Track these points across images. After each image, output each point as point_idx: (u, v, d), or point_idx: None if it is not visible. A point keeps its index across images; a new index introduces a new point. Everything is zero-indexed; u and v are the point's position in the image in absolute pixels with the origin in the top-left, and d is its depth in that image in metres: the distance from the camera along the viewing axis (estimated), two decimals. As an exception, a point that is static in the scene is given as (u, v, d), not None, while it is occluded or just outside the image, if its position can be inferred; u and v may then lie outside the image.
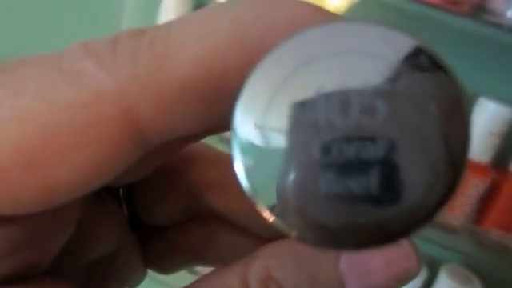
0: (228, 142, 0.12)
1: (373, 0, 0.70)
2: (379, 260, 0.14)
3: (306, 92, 0.11)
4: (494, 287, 0.66)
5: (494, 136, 0.60)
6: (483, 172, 0.59)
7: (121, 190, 0.20)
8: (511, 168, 0.61)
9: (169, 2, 0.83)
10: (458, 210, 0.60)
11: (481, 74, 0.64)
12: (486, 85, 0.63)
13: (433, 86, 0.11)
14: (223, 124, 0.13)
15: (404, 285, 0.14)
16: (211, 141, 0.17)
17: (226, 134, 0.13)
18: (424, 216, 0.11)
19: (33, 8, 0.97)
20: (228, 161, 0.17)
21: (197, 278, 0.16)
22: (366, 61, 0.11)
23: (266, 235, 0.18)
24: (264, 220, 0.12)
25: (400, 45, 0.11)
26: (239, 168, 0.11)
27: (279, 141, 0.11)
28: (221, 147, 0.18)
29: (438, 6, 0.58)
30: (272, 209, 0.11)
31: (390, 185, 0.11)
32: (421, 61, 0.11)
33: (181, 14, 0.79)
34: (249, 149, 0.11)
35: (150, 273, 0.21)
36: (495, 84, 0.64)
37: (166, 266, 0.21)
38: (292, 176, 0.11)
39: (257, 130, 0.11)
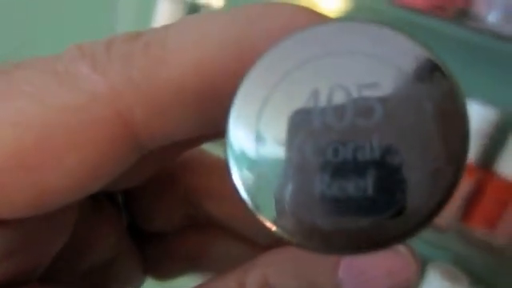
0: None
1: (361, 6, 0.71)
2: (379, 269, 0.14)
3: (299, 95, 0.11)
4: (481, 284, 0.67)
5: (479, 136, 0.61)
6: (469, 172, 0.60)
7: (119, 197, 0.19)
8: (495, 168, 0.62)
9: (163, 6, 0.84)
10: (446, 208, 0.61)
11: (467, 77, 0.65)
12: (471, 86, 0.64)
13: (429, 86, 0.11)
14: (220, 130, 0.13)
15: None
16: (209, 144, 0.17)
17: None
18: (422, 219, 0.11)
19: (27, 11, 0.97)
20: (220, 165, 0.18)
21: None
22: (360, 61, 0.11)
23: (265, 243, 0.18)
24: (264, 228, 0.11)
25: (394, 44, 0.11)
26: (236, 177, 0.11)
27: (274, 146, 0.11)
28: (219, 151, 0.18)
29: (424, 11, 0.59)
30: (271, 216, 0.11)
31: (387, 187, 0.11)
32: (416, 60, 0.11)
33: (175, 19, 0.80)
34: (244, 157, 0.11)
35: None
36: (480, 86, 0.65)
37: (164, 272, 0.21)
38: (287, 179, 0.11)
39: (251, 133, 0.11)
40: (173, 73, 0.12)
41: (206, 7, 0.82)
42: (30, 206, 0.12)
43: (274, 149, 0.11)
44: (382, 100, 0.11)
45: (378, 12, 0.68)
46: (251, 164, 0.11)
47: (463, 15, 0.58)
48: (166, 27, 0.13)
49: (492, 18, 0.55)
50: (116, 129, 0.12)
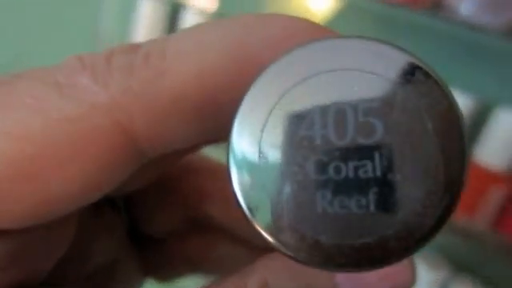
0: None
1: (352, 6, 0.72)
2: (377, 273, 0.14)
3: (302, 109, 0.11)
4: (465, 271, 0.68)
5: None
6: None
7: (120, 201, 0.20)
8: (473, 156, 0.63)
9: (145, 5, 0.84)
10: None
11: (443, 67, 0.66)
12: (448, 76, 0.65)
13: (428, 102, 0.11)
14: (219, 136, 0.13)
15: None
16: (209, 147, 0.17)
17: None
18: (423, 235, 0.11)
19: (10, 18, 0.97)
20: (221, 169, 0.18)
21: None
22: (362, 77, 0.11)
23: (265, 246, 0.18)
24: (261, 238, 0.11)
25: (395, 60, 0.11)
26: (236, 187, 0.11)
27: (275, 158, 0.11)
28: (219, 154, 0.18)
29: (401, 4, 0.60)
30: (267, 227, 0.11)
31: (389, 204, 0.11)
32: (416, 76, 0.11)
33: (157, 18, 0.80)
34: (245, 165, 0.11)
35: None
36: (457, 76, 0.66)
37: (164, 275, 0.21)
38: (287, 194, 0.11)
39: (253, 146, 0.11)
40: (173, 82, 0.12)
41: (191, 7, 0.82)
42: (31, 216, 0.12)
43: (276, 163, 0.11)
44: (383, 118, 0.11)
45: (359, 8, 0.69)
46: (252, 175, 0.11)
47: (438, 7, 0.59)
48: (164, 38, 0.13)
49: (464, 9, 0.56)
50: (116, 138, 0.12)
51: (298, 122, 0.11)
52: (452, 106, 0.11)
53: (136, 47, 0.13)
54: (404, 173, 0.11)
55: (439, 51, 0.65)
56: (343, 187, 0.11)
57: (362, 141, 0.11)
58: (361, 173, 0.11)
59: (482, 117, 0.63)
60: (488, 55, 0.65)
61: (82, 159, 0.12)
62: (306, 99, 0.11)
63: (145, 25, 0.82)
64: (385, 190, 0.11)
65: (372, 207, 0.11)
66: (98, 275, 0.18)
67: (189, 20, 0.80)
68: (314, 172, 0.11)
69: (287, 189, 0.11)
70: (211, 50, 0.12)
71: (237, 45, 0.12)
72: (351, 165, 0.11)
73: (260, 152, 0.11)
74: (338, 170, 0.11)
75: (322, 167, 0.11)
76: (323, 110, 0.11)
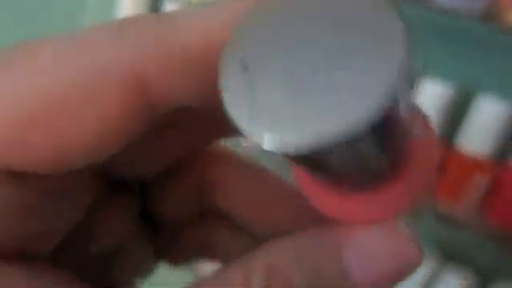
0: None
1: None
2: (386, 253, 0.14)
3: (270, 34, 0.12)
4: (453, 260, 0.69)
5: (438, 113, 0.63)
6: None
7: (136, 185, 0.20)
8: (455, 144, 0.64)
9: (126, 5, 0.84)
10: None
11: (424, 55, 0.66)
12: (428, 64, 0.65)
13: (373, 18, 0.12)
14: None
15: (406, 277, 0.14)
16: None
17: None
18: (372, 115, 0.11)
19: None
20: (237, 160, 0.19)
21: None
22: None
23: (271, 236, 0.18)
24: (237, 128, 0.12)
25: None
26: (226, 104, 0.12)
27: (259, 68, 0.12)
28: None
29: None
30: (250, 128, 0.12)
31: (338, 89, 0.11)
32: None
33: (138, 9, 0.79)
34: (236, 94, 0.12)
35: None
36: (437, 63, 0.66)
37: (175, 259, 0.21)
38: (261, 95, 0.12)
39: (238, 64, 0.12)
40: (182, 38, 0.13)
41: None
42: (50, 160, 0.13)
43: (260, 71, 0.12)
44: (336, 21, 0.12)
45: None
46: (241, 87, 0.12)
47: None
48: (172, 11, 0.14)
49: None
50: (131, 89, 0.13)
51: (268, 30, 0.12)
52: (395, 18, 0.12)
53: (146, 15, 0.14)
54: (353, 62, 0.11)
55: (418, 41, 0.65)
56: (304, 81, 0.12)
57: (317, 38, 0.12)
58: (317, 72, 0.12)
59: (462, 104, 0.64)
60: (467, 42, 0.65)
61: (98, 108, 0.13)
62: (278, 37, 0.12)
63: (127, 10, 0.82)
64: (337, 75, 0.11)
65: (326, 91, 0.11)
66: (108, 257, 0.19)
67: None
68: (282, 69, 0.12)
69: (261, 90, 0.12)
70: (216, 19, 0.13)
71: (234, 19, 0.13)
72: (310, 60, 0.12)
73: (244, 68, 0.12)
74: (300, 69, 0.12)
75: (287, 64, 0.12)
76: (286, 37, 0.12)
